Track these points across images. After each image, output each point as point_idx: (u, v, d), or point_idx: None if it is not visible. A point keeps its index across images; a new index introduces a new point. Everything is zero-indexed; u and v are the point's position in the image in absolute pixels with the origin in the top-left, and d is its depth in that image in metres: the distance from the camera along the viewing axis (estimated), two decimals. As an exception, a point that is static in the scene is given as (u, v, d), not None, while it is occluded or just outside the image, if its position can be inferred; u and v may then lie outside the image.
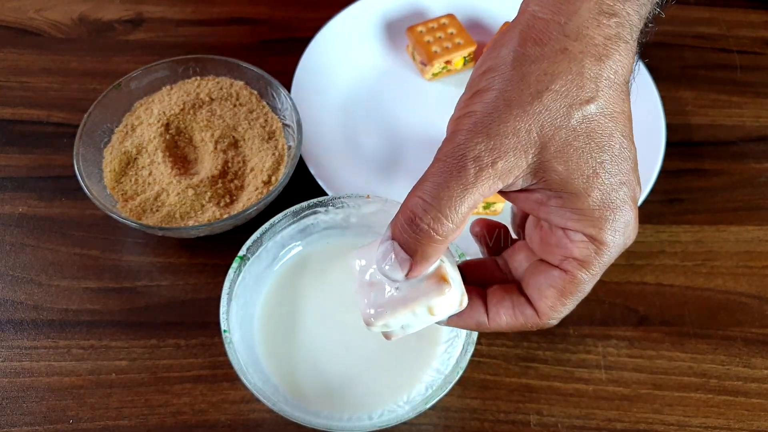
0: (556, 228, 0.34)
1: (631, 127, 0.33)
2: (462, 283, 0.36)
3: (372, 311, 0.35)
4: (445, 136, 0.34)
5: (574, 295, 0.34)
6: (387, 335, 0.37)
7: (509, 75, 0.32)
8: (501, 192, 0.34)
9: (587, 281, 0.34)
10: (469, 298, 0.36)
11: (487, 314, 0.36)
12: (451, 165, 0.32)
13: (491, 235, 0.39)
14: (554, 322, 0.35)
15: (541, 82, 0.31)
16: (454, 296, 0.35)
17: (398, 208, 0.50)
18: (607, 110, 0.32)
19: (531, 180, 0.32)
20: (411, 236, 0.32)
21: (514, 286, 0.36)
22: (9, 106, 0.63)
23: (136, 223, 0.51)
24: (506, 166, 0.31)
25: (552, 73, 0.31)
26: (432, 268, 0.34)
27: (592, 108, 0.31)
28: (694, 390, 0.50)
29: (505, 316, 0.36)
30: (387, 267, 0.33)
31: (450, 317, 0.37)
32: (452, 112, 0.43)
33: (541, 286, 0.35)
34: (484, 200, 0.55)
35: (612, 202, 0.32)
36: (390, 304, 0.35)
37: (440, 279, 0.34)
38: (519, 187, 0.33)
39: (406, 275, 0.33)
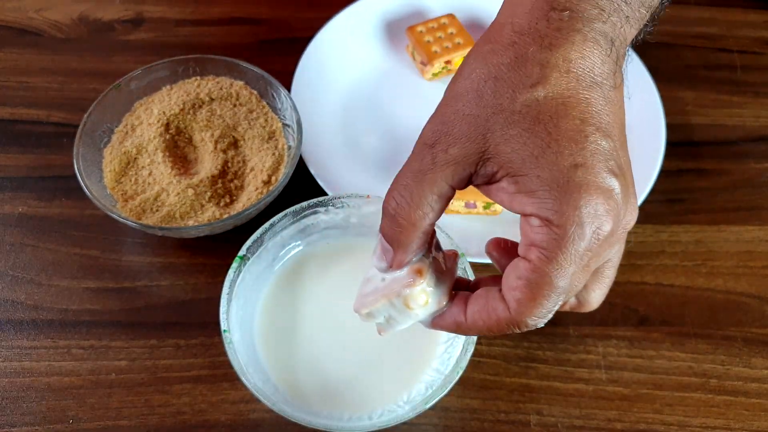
0: (522, 217, 0.33)
1: (608, 121, 0.33)
2: (447, 284, 0.37)
3: (359, 299, 0.38)
4: None
5: (542, 289, 0.32)
6: (379, 329, 0.38)
7: (462, 69, 0.35)
8: (477, 187, 0.35)
9: (553, 273, 0.32)
10: (455, 300, 0.36)
11: (465, 314, 0.36)
12: (415, 153, 0.34)
13: (504, 252, 0.38)
14: (532, 321, 0.33)
15: (489, 72, 0.33)
16: (430, 292, 0.36)
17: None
18: (558, 95, 0.32)
19: (491, 167, 0.33)
20: (389, 226, 0.35)
21: (497, 288, 0.35)
22: (9, 106, 0.63)
23: (136, 223, 0.51)
24: (460, 152, 0.33)
25: (499, 64, 0.33)
26: (414, 259, 0.36)
27: (539, 92, 0.32)
28: (694, 390, 0.50)
29: (479, 313, 0.35)
30: (375, 258, 0.36)
31: (433, 318, 0.37)
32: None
33: (509, 278, 0.33)
34: (484, 200, 0.55)
35: (565, 184, 0.31)
36: (372, 293, 0.37)
37: (416, 272, 0.35)
38: (486, 177, 0.34)
39: (390, 265, 0.36)
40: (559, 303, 0.33)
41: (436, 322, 0.37)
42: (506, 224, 0.56)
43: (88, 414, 0.48)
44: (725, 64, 0.68)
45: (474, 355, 0.43)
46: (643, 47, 0.65)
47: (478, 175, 0.34)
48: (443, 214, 0.57)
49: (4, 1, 0.71)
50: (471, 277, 0.45)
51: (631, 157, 0.63)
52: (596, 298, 0.38)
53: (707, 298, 0.54)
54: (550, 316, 0.34)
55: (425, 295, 0.36)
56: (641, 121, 0.61)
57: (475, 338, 0.43)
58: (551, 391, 0.49)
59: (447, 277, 0.37)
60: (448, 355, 0.45)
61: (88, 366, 0.50)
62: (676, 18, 0.71)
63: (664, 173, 0.57)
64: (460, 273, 0.46)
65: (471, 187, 0.54)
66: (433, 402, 0.42)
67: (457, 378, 0.42)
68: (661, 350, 0.51)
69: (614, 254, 0.36)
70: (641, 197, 0.55)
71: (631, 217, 0.34)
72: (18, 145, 0.61)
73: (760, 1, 0.73)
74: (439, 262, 0.37)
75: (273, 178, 0.54)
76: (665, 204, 0.58)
